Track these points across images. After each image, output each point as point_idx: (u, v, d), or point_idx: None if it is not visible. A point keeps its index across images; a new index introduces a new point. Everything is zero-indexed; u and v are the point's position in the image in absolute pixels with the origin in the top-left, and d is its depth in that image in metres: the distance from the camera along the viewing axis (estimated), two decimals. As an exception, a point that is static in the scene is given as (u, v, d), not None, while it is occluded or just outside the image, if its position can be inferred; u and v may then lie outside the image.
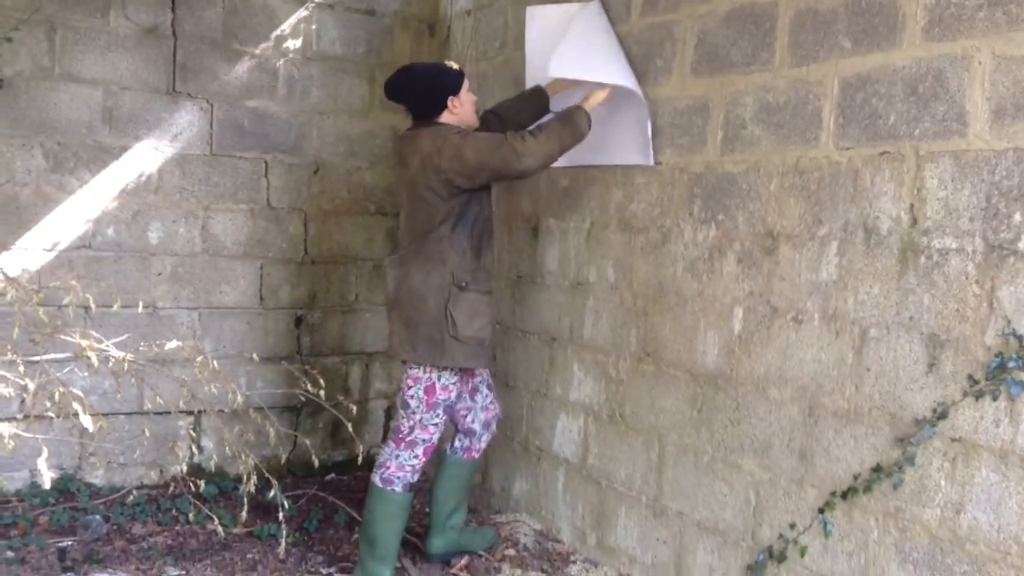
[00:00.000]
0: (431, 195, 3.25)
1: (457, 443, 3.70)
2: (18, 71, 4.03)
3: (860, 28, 2.57)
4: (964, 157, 2.31)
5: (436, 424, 3.40)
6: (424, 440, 3.39)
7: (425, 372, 3.32)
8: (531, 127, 3.32)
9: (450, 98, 3.34)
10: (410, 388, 3.35)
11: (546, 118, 3.48)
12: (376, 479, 3.41)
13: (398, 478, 3.40)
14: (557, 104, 3.52)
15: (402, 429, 3.39)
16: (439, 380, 3.33)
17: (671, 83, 3.27)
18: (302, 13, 4.60)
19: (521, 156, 3.12)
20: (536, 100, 3.58)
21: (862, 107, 2.57)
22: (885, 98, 2.50)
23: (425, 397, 3.34)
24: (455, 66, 3.45)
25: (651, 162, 3.34)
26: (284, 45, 4.56)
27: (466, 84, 3.41)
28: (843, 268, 2.63)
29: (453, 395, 3.42)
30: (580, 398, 3.77)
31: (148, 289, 4.30)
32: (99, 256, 4.23)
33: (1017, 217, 2.19)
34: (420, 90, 3.37)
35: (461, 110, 3.37)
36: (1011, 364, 2.19)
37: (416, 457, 3.41)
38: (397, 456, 3.40)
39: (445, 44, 4.87)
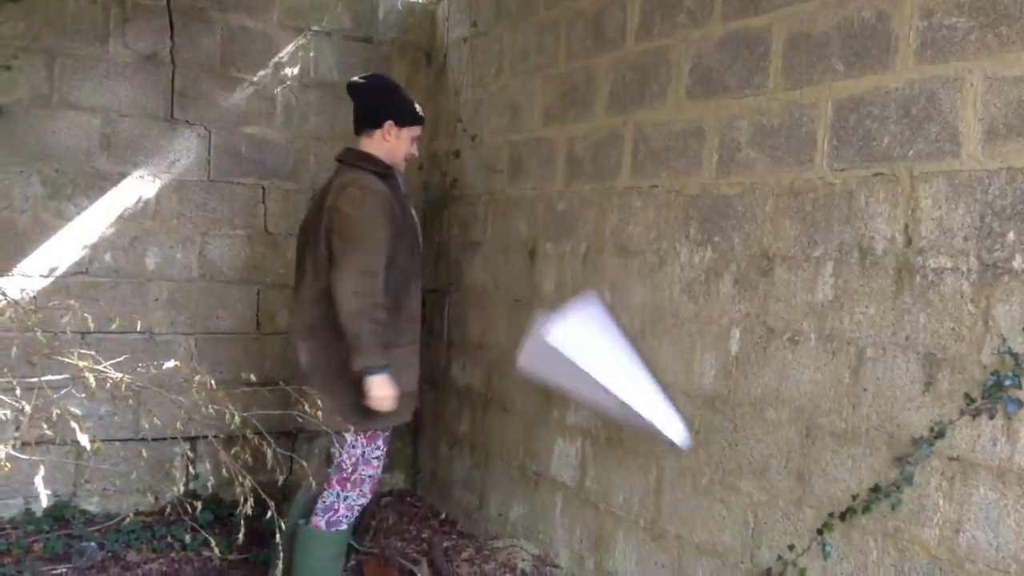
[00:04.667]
0: (329, 255, 3.15)
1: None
2: (16, 99, 4.06)
3: (853, 51, 2.61)
4: (958, 177, 2.33)
5: (378, 457, 3.31)
6: (370, 476, 3.30)
7: None
8: (374, 314, 3.08)
9: (389, 122, 3.32)
10: None
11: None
12: (321, 524, 3.26)
13: (346, 518, 3.30)
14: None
15: (345, 467, 3.27)
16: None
17: (667, 107, 3.30)
18: (300, 41, 4.65)
19: (348, 300, 3.03)
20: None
21: (856, 129, 2.59)
22: (878, 120, 2.53)
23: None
24: (420, 111, 3.43)
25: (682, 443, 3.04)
26: (282, 72, 4.60)
27: (414, 131, 3.38)
28: (839, 288, 2.64)
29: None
30: (577, 421, 3.76)
31: (145, 315, 4.30)
32: (96, 282, 4.24)
33: (1011, 236, 2.21)
34: (371, 95, 3.37)
35: (392, 143, 3.34)
36: (1007, 382, 2.20)
37: (364, 496, 3.32)
38: (345, 498, 3.28)
39: (442, 71, 4.92)
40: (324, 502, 3.29)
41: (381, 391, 3.10)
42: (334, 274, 3.10)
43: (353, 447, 3.23)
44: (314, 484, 3.41)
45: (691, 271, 3.19)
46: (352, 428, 3.14)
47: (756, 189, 2.93)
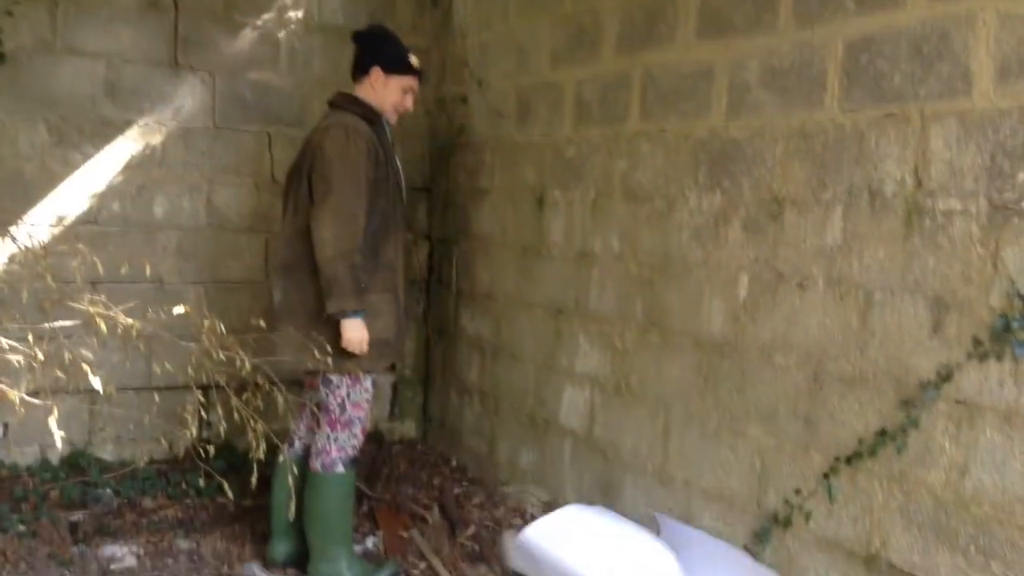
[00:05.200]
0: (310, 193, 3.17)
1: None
2: (20, 45, 4.02)
3: (864, -11, 2.55)
4: (969, 117, 2.29)
5: (367, 399, 3.31)
6: (360, 419, 3.30)
7: None
8: (352, 258, 3.09)
9: (375, 68, 3.29)
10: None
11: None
12: (317, 466, 3.28)
13: (341, 459, 3.29)
14: None
15: (332, 408, 3.27)
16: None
17: (675, 48, 3.25)
18: (304, -17, 4.58)
19: (326, 241, 3.05)
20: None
21: (867, 69, 2.55)
22: (890, 59, 2.49)
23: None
24: (416, 62, 3.38)
25: None
26: (285, 16, 4.54)
27: (405, 80, 3.34)
28: (848, 232, 2.62)
29: None
30: (586, 369, 3.77)
31: (155, 264, 4.29)
32: (105, 231, 4.24)
33: (1021, 176, 2.17)
34: (362, 42, 3.37)
35: (381, 90, 3.31)
36: (1015, 325, 2.18)
37: (355, 436, 3.31)
38: (336, 439, 3.28)
39: (448, 14, 4.84)
40: (316, 445, 3.32)
41: (355, 334, 3.12)
42: (314, 214, 3.11)
43: (337, 388, 3.25)
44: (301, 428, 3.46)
45: (700, 216, 3.16)
46: (331, 371, 3.15)
47: (765, 132, 2.89)
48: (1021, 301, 2.17)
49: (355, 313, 3.11)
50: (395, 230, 3.32)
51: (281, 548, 3.43)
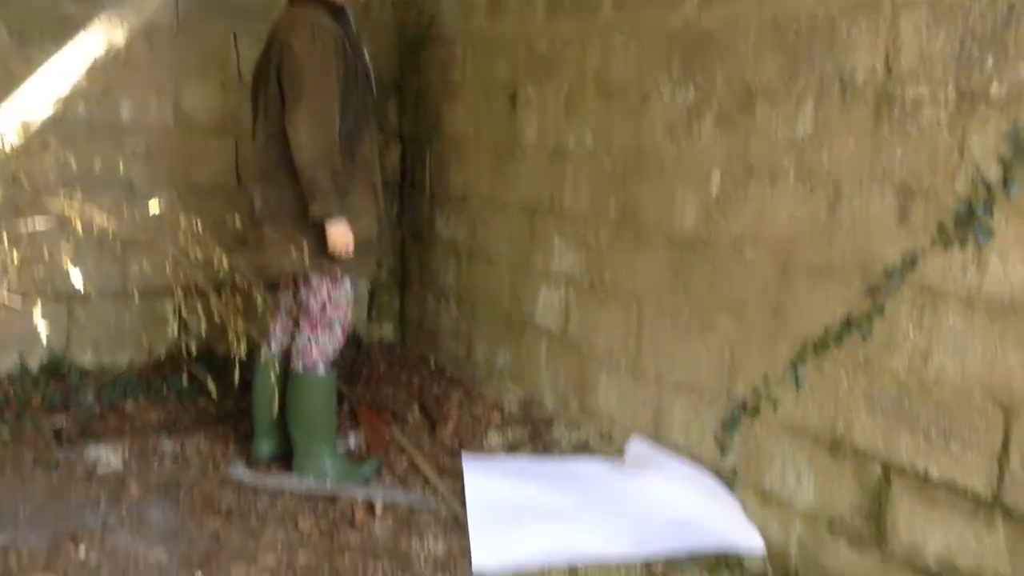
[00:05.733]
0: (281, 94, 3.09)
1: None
2: (-28, -58, 3.88)
3: None
4: (939, 3, 2.28)
5: (348, 300, 3.31)
6: (339, 319, 3.31)
7: None
8: (331, 160, 3.07)
9: None
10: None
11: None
12: (298, 367, 3.31)
13: (321, 361, 3.31)
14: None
15: (312, 310, 3.27)
16: None
17: (648, -61, 3.19)
18: None
19: (303, 145, 3.01)
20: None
21: (840, -46, 2.52)
22: (863, -56, 2.46)
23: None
24: None
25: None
26: (247, -96, 4.38)
27: None
28: (819, 123, 2.63)
29: None
30: (561, 268, 3.80)
31: (125, 168, 4.24)
32: (71, 134, 4.15)
33: (989, 62, 2.18)
34: None
35: None
36: (979, 211, 2.21)
37: (335, 339, 3.33)
38: (317, 340, 3.30)
39: (417, -92, 4.70)
40: (297, 346, 3.33)
41: (340, 236, 3.12)
42: (287, 117, 3.06)
43: (319, 290, 3.25)
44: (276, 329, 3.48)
45: (673, 111, 3.15)
46: (315, 273, 3.16)
47: (739, 21, 2.86)
48: (985, 188, 2.20)
49: (339, 215, 3.10)
50: (368, 127, 3.28)
51: (265, 447, 3.49)
